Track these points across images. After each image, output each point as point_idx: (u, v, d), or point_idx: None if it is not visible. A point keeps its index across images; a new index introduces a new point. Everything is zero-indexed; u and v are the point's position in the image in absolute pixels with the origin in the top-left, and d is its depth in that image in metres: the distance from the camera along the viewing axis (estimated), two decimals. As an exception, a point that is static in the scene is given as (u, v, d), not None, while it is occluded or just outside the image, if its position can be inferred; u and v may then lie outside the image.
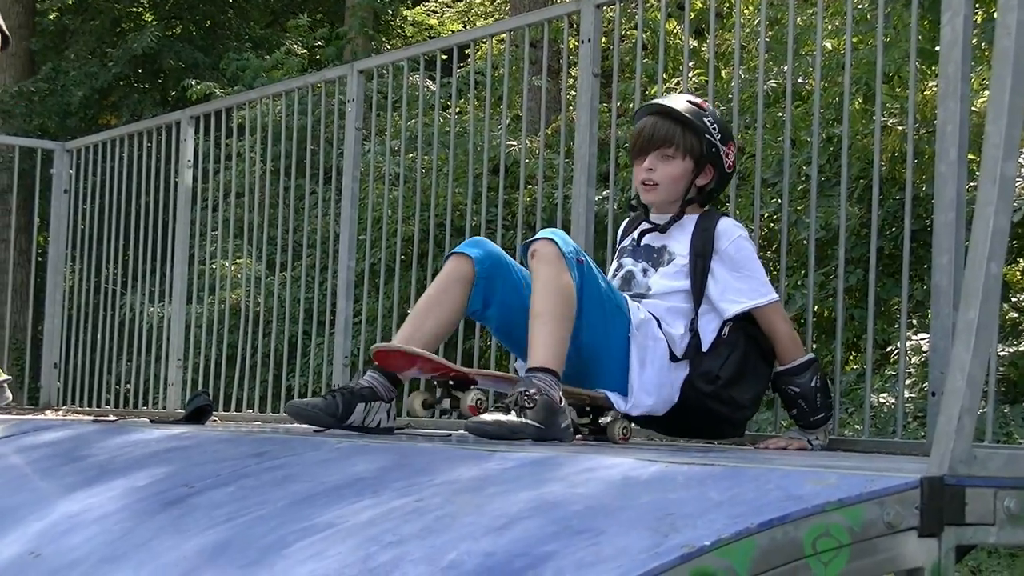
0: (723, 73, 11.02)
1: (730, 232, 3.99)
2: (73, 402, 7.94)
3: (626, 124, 9.09)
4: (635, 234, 4.18)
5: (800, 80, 9.78)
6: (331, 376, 6.16)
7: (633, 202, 4.25)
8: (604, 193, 8.14)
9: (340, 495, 2.89)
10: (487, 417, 3.55)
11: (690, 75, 10.32)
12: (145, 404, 7.61)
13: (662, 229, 4.08)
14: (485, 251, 4.01)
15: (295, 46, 16.54)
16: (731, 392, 3.99)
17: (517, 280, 4.01)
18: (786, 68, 9.62)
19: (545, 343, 3.70)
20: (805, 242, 8.35)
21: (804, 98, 9.77)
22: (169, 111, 16.08)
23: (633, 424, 4.04)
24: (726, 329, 3.98)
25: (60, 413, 7.61)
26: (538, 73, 11.76)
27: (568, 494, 2.48)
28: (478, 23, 21.14)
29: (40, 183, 8.84)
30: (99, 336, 8.06)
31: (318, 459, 3.34)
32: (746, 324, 4.01)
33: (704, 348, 3.98)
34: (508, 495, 2.57)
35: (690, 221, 4.07)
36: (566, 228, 5.23)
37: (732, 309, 3.96)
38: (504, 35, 6.06)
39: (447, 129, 10.45)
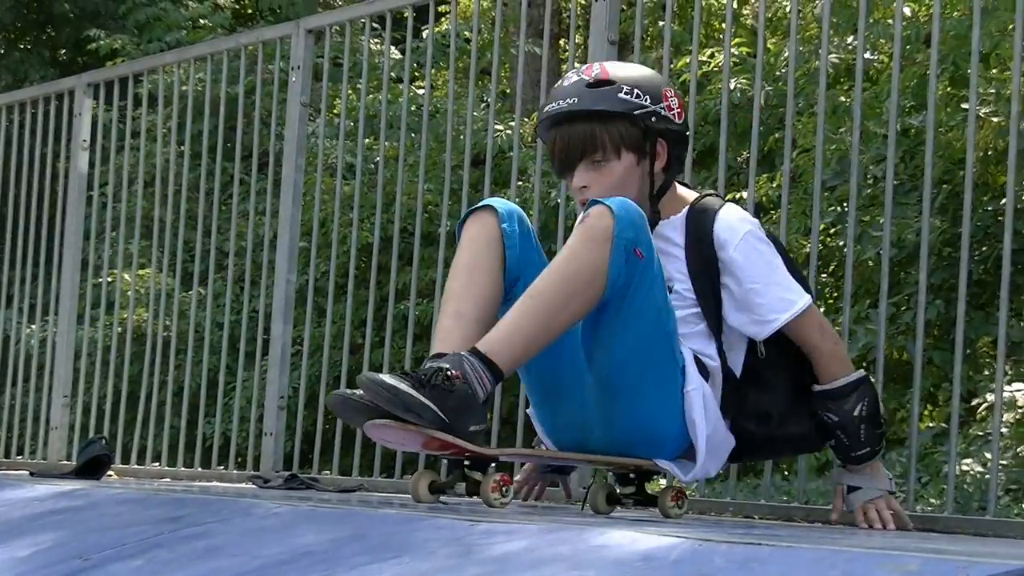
0: (770, 44, 11.08)
1: (733, 232, 3.95)
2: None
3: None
4: None
5: (871, 55, 9.81)
6: (261, 419, 6.17)
7: None
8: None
9: (281, 573, 2.91)
10: (387, 379, 3.50)
11: (731, 47, 10.36)
12: (19, 452, 7.60)
13: None
14: (509, 206, 3.99)
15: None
16: (789, 428, 4.04)
17: (541, 258, 3.99)
18: (854, 40, 9.70)
19: (511, 330, 3.67)
20: (872, 263, 8.39)
21: (873, 78, 9.82)
22: (61, 75, 16.15)
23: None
24: (761, 348, 4.01)
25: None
26: (535, 37, 11.84)
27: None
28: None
29: None
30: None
31: (251, 527, 3.36)
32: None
33: (739, 377, 4.01)
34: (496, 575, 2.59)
35: (676, 224, 4.02)
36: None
37: (763, 332, 3.95)
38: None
39: (417, 107, 10.56)
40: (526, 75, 11.07)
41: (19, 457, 7.53)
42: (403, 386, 3.48)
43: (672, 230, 4.00)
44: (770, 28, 11.29)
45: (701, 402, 3.86)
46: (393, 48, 10.40)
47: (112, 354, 7.24)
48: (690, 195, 4.09)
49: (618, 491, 3.94)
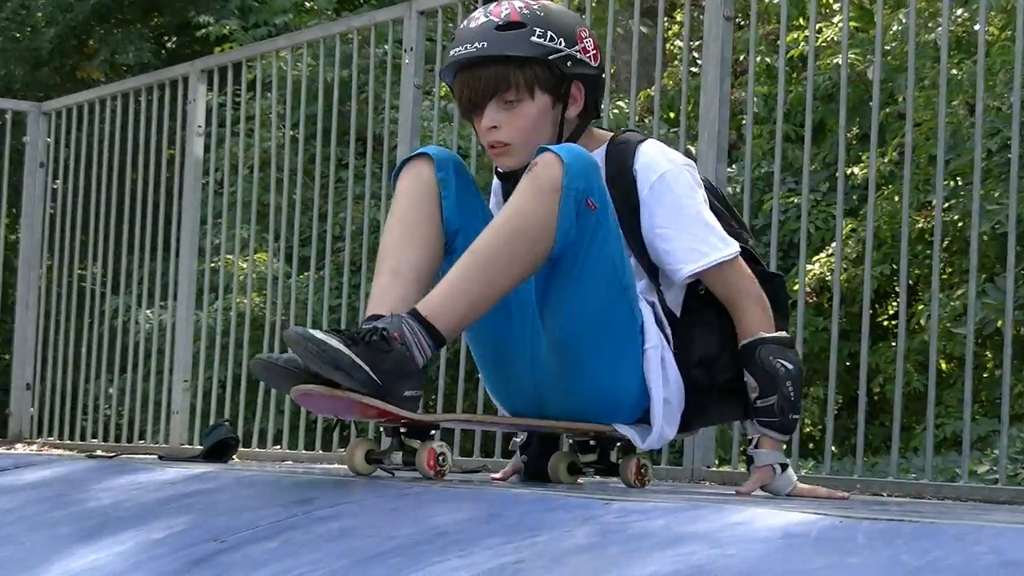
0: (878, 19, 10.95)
1: (650, 169, 3.67)
2: (51, 433, 8.03)
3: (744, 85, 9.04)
4: None
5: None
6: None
7: (499, 169, 3.86)
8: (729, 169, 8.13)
9: (417, 554, 2.91)
10: (317, 334, 3.30)
11: (836, 20, 10.28)
12: (142, 437, 7.67)
13: None
14: (445, 153, 3.76)
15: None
16: (735, 376, 3.74)
17: (483, 207, 3.80)
18: (962, 12, 9.58)
19: (452, 291, 3.47)
20: (986, 237, 8.29)
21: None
22: (166, 59, 16.27)
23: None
24: (702, 288, 3.72)
25: (36, 447, 7.70)
26: (632, 17, 11.75)
27: (714, 556, 2.48)
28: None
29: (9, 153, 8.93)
30: (82, 350, 8.14)
31: (384, 507, 3.36)
32: None
33: (678, 313, 3.74)
34: (635, 558, 2.58)
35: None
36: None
37: (685, 270, 3.65)
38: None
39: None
40: (625, 54, 11.03)
41: (141, 441, 7.60)
42: (333, 342, 3.29)
43: None
44: (873, 1, 11.15)
45: (659, 362, 3.65)
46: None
47: (231, 338, 7.29)
48: (608, 134, 3.83)
49: (580, 460, 3.78)
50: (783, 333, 3.71)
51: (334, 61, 6.91)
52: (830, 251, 9.40)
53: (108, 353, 8.10)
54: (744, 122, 8.92)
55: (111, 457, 5.35)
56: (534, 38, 3.63)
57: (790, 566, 2.34)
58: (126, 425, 7.88)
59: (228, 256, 8.20)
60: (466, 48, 3.65)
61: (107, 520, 3.73)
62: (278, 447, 6.80)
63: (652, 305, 3.70)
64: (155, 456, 6.10)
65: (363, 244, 7.08)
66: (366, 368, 3.31)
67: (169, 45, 18.04)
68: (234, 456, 5.87)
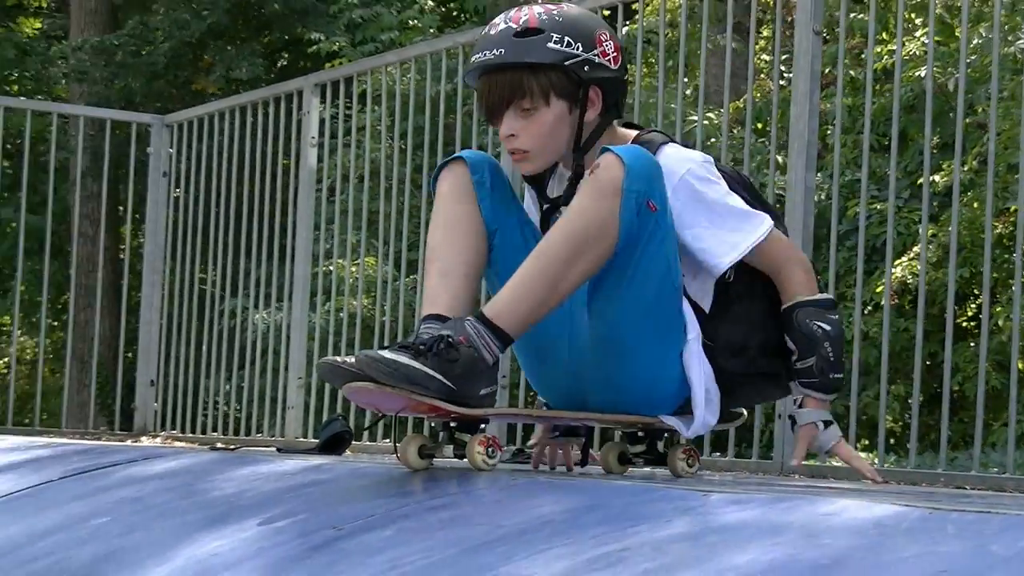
0: (959, 32, 10.88)
1: (671, 173, 3.53)
2: (173, 427, 8.11)
3: (830, 97, 9.03)
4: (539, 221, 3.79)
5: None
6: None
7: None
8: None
9: (525, 542, 2.92)
10: (386, 353, 3.27)
11: (918, 34, 10.22)
12: (259, 431, 7.74)
13: (567, 201, 3.60)
14: (479, 156, 3.70)
15: (427, 1, 16.69)
16: (769, 359, 3.67)
17: (520, 208, 3.74)
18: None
19: (517, 292, 3.42)
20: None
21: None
22: (278, 74, 16.37)
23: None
24: (730, 275, 3.63)
25: (159, 439, 7.78)
26: (723, 32, 11.74)
27: (809, 545, 2.48)
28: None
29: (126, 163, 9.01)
30: (202, 348, 8.22)
31: (492, 497, 3.37)
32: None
33: (708, 309, 3.64)
34: (733, 546, 2.58)
35: None
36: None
37: (723, 262, 3.58)
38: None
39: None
40: (715, 67, 11.01)
41: (259, 435, 7.66)
42: (404, 359, 3.25)
43: None
44: (954, 16, 11.07)
45: (699, 353, 3.59)
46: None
47: (343, 338, 7.33)
48: (631, 133, 3.70)
49: (630, 450, 3.71)
50: (823, 295, 3.64)
51: (439, 76, 6.94)
52: (911, 255, 9.35)
53: (226, 351, 8.17)
54: (829, 132, 8.90)
55: (232, 449, 5.40)
56: (551, 44, 3.52)
57: (883, 556, 2.33)
58: (244, 419, 7.95)
59: (339, 260, 8.23)
60: (485, 55, 3.56)
61: (231, 509, 3.76)
62: (387, 440, 6.82)
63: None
64: (273, 449, 6.14)
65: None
66: (439, 376, 3.29)
67: (280, 61, 18.17)
68: (347, 449, 5.91)
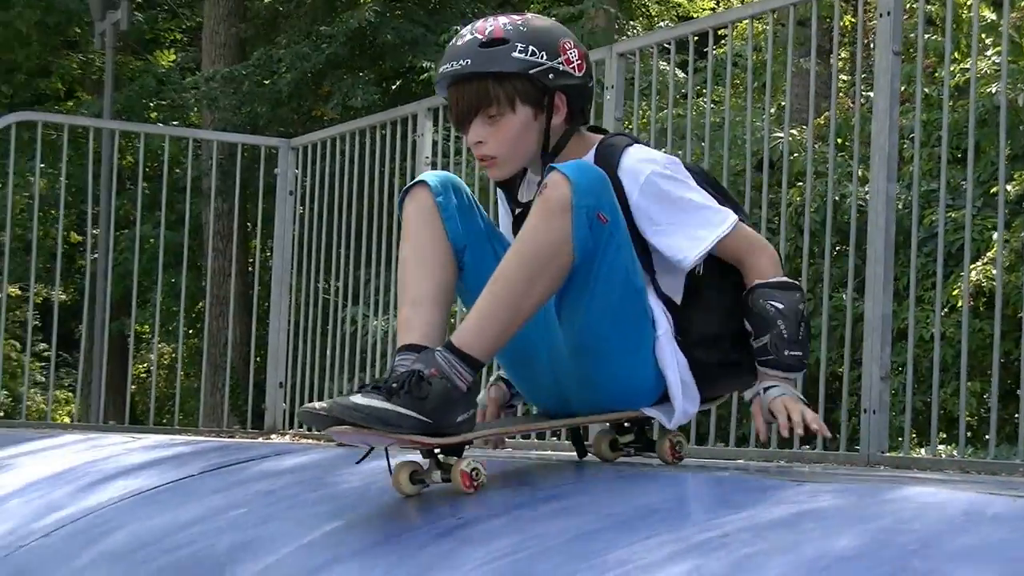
0: (1026, 50, 10.76)
1: (634, 176, 3.44)
2: (300, 425, 8.16)
3: (906, 113, 8.96)
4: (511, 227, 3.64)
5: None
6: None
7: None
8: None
9: (631, 529, 2.92)
10: (357, 400, 3.13)
11: (989, 53, 10.11)
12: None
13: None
14: (440, 177, 3.52)
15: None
16: (744, 349, 3.51)
17: (487, 224, 3.57)
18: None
19: (481, 318, 3.28)
20: None
21: None
22: (391, 100, 16.44)
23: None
24: (700, 268, 3.51)
25: (288, 437, 7.83)
26: (806, 55, 11.67)
27: (899, 530, 2.45)
28: (734, 1, 21.11)
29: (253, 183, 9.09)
30: (326, 353, 8.27)
31: (599, 488, 3.36)
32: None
33: (679, 301, 3.52)
34: (827, 531, 2.56)
35: None
36: (860, 232, 5.19)
37: (690, 257, 3.45)
38: (768, 15, 6.05)
39: (702, 121, 10.53)
40: (798, 87, 10.92)
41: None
42: (375, 402, 3.13)
43: None
44: (1023, 36, 10.95)
45: (671, 346, 3.46)
46: (678, 69, 10.38)
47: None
48: (597, 137, 3.58)
49: (620, 440, 3.61)
50: (782, 278, 3.48)
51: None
52: (985, 260, 9.25)
53: (348, 355, 8.21)
54: (905, 145, 8.82)
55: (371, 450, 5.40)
56: (515, 53, 3.40)
57: (972, 539, 2.31)
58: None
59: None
60: (452, 65, 3.44)
61: (358, 500, 3.77)
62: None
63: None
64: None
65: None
66: (412, 414, 3.17)
67: (393, 88, 18.28)
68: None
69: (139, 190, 9.62)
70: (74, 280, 22.27)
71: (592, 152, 3.52)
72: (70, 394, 24.69)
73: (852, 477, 3.57)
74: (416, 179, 3.51)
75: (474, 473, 3.32)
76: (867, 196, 5.62)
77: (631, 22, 21.00)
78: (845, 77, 13.26)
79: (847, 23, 13.24)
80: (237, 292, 11.04)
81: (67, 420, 20.25)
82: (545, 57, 3.41)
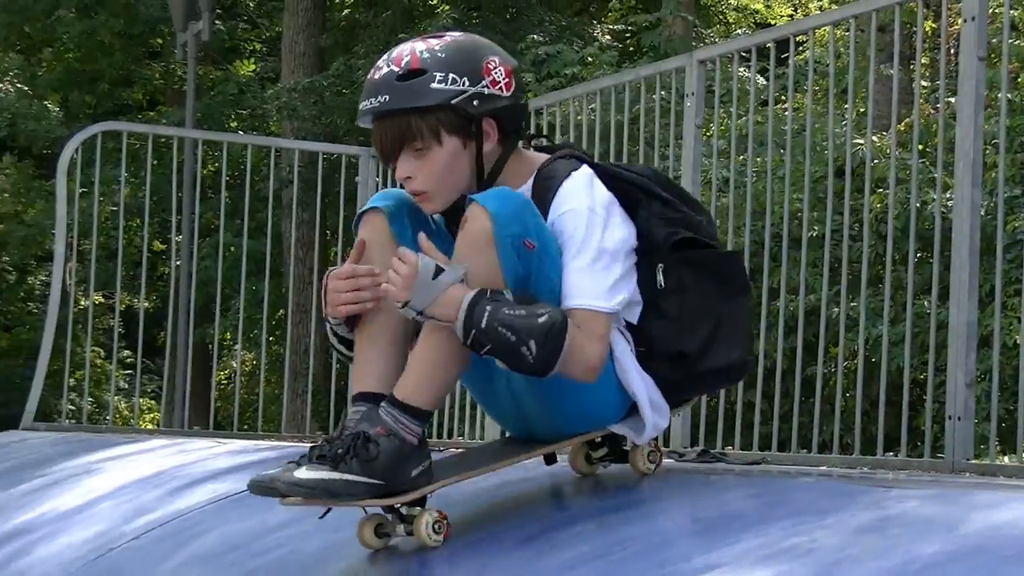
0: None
1: (560, 204, 3.18)
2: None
3: (989, 118, 8.89)
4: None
5: None
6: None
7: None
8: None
9: (717, 534, 2.92)
10: (303, 475, 3.02)
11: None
12: (460, 434, 7.77)
13: None
14: (396, 202, 3.28)
15: (604, 37, 16.74)
16: (711, 360, 3.29)
17: (448, 242, 3.28)
18: None
19: (421, 367, 3.13)
20: None
21: None
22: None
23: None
24: (660, 278, 3.26)
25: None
26: (886, 61, 11.60)
27: (994, 536, 2.44)
28: (810, 5, 21.02)
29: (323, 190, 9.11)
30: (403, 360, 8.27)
31: (689, 493, 3.36)
32: (682, 253, 3.27)
33: (636, 321, 3.27)
34: (916, 536, 2.55)
35: (525, 193, 3.23)
36: (943, 239, 5.16)
37: (564, 303, 3.14)
38: (849, 21, 6.02)
39: (782, 127, 10.51)
40: (878, 94, 10.86)
41: (459, 438, 7.68)
42: (321, 474, 3.01)
43: None
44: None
45: (633, 365, 3.25)
46: (758, 75, 10.36)
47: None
48: (540, 157, 3.32)
49: (593, 455, 3.44)
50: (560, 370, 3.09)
51: (625, 105, 6.95)
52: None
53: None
54: (987, 151, 8.75)
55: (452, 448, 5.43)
56: (435, 84, 3.16)
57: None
58: (445, 423, 7.97)
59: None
60: (371, 102, 3.21)
61: (444, 504, 3.78)
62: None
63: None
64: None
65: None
66: (362, 479, 3.06)
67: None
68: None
69: (222, 199, 9.68)
70: (157, 288, 22.49)
71: (531, 180, 3.27)
72: (152, 402, 24.93)
73: (938, 483, 3.55)
74: (369, 203, 3.31)
75: (436, 527, 3.19)
76: (950, 202, 5.59)
77: (708, 30, 20.96)
78: (926, 83, 13.16)
79: (928, 28, 13.15)
80: (318, 300, 11.05)
81: (151, 426, 20.45)
82: (467, 83, 3.18)
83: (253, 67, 25.05)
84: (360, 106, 3.25)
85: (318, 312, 11.53)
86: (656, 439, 3.44)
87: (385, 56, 3.25)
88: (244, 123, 22.65)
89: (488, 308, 3.02)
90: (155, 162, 8.56)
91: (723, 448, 5.94)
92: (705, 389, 3.55)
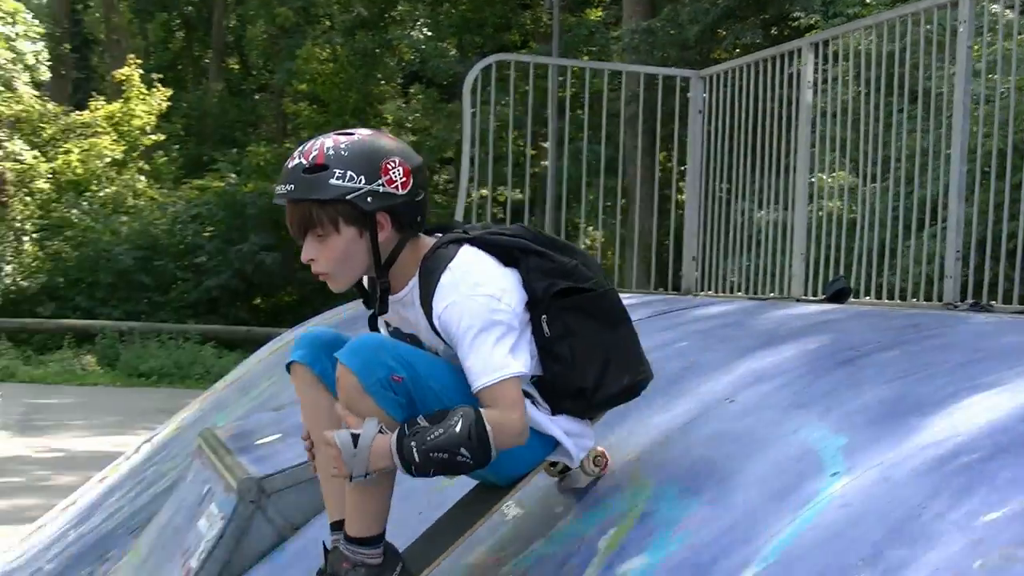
0: None
1: (440, 300, 2.83)
2: (708, 288, 8.21)
3: None
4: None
5: None
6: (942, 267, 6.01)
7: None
8: None
9: (999, 360, 2.86)
10: None
11: None
12: (772, 290, 7.73)
13: (383, 311, 2.96)
14: (311, 346, 2.99)
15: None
16: (608, 389, 2.97)
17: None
18: None
19: (357, 507, 2.85)
20: None
21: None
22: (769, 41, 16.18)
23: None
24: (545, 327, 2.91)
25: (701, 296, 7.90)
26: None
27: None
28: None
29: (660, 107, 9.08)
30: (727, 236, 8.25)
31: (971, 331, 3.30)
32: (562, 301, 2.92)
33: (537, 371, 2.93)
34: None
35: (412, 289, 2.93)
36: None
37: (474, 385, 2.79)
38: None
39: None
40: None
41: (771, 293, 7.62)
42: None
43: (409, 305, 2.93)
44: None
45: (542, 416, 2.94)
46: None
47: (832, 228, 7.24)
48: (429, 244, 2.95)
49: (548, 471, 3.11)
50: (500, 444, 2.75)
51: (896, 36, 6.71)
52: None
53: (742, 237, 8.16)
54: None
55: (765, 299, 5.44)
56: (333, 180, 2.81)
57: None
58: (759, 283, 7.93)
59: (820, 174, 8.12)
60: (279, 189, 2.88)
61: (772, 338, 3.81)
62: (867, 296, 6.71)
63: None
64: (794, 299, 6.13)
65: (915, 164, 6.85)
66: None
67: (773, 32, 18.04)
68: (848, 299, 5.82)
69: (585, 114, 9.74)
70: (530, 184, 22.87)
71: (416, 277, 2.92)
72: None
73: None
74: (289, 358, 3.00)
75: None
76: None
77: None
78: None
79: None
80: (654, 192, 11.16)
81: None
82: (364, 181, 2.82)
83: (600, 14, 25.07)
84: (275, 189, 2.93)
85: (654, 202, 11.63)
86: (599, 448, 3.12)
87: (300, 148, 2.90)
88: (593, 58, 22.73)
89: (413, 443, 2.71)
90: (527, 88, 8.66)
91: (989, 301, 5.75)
92: (608, 409, 3.11)
